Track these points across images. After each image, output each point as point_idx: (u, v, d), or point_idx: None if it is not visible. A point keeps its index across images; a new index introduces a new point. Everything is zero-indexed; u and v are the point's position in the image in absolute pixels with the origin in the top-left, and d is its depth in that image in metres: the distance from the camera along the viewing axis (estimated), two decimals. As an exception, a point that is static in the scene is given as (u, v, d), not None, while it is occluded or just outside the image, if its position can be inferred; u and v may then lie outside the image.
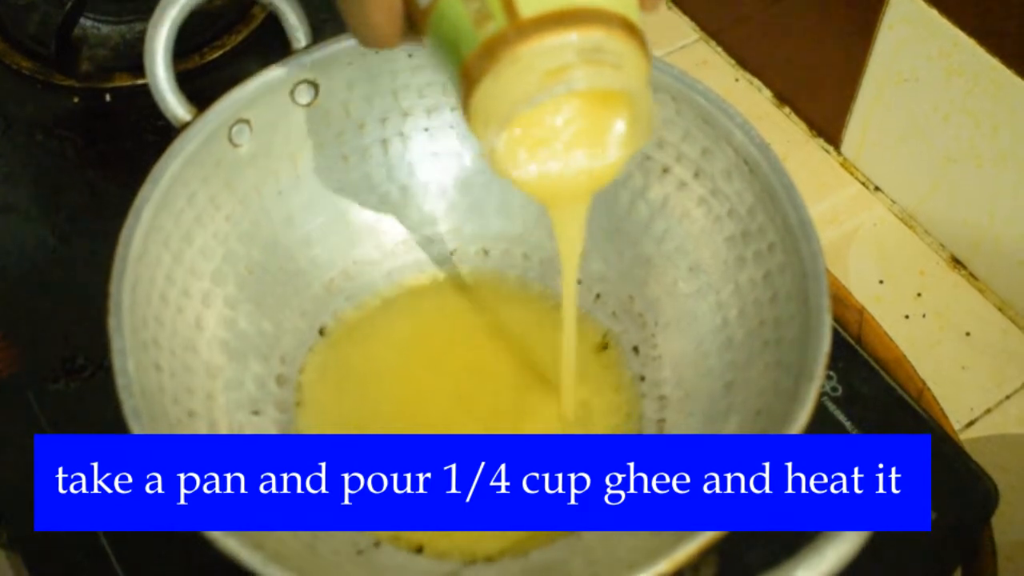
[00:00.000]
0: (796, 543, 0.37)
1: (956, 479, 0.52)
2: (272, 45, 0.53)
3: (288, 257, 0.53)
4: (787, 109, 0.74)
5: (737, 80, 0.76)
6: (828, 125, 0.72)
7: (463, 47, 0.38)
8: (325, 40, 0.51)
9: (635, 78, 0.38)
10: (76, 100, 0.67)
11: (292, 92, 0.51)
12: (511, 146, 0.41)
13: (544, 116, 0.40)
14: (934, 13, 0.60)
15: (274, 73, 0.50)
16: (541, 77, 0.36)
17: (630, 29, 0.37)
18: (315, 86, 0.52)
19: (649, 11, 0.39)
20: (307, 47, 0.51)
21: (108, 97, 0.67)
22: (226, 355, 0.49)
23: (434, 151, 0.55)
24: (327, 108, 0.53)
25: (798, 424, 0.41)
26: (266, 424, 0.50)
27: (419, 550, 0.47)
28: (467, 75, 0.38)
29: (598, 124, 0.41)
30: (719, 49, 0.78)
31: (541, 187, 0.43)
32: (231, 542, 0.38)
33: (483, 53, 0.37)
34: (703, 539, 0.38)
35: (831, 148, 0.72)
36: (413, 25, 0.40)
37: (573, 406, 0.51)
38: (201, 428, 0.46)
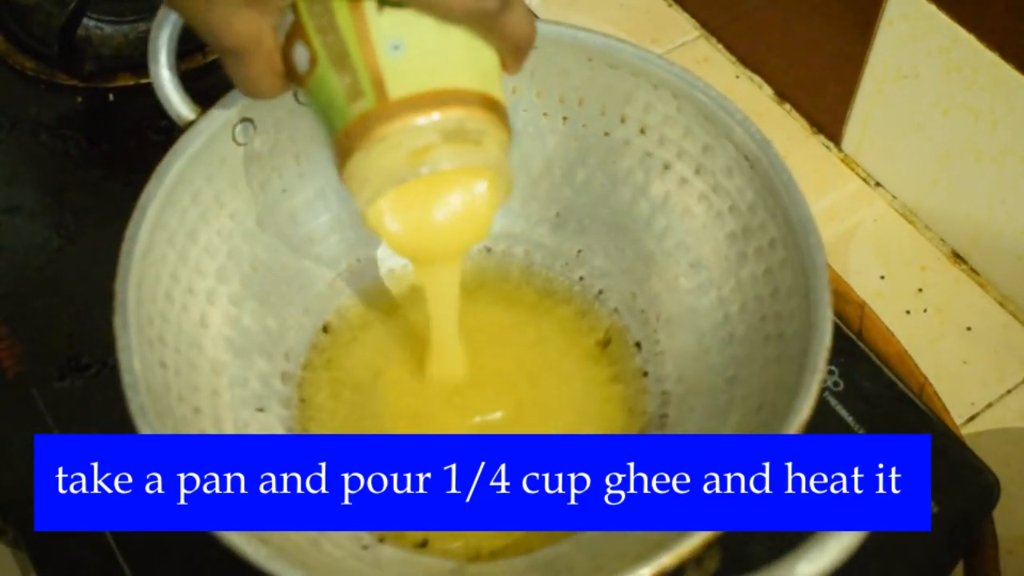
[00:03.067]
0: (798, 537, 0.37)
1: (958, 473, 0.53)
2: (275, 44, 0.53)
3: (292, 255, 0.53)
4: (787, 106, 0.74)
5: (737, 77, 0.76)
6: (828, 121, 0.72)
7: (336, 119, 0.40)
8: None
9: (495, 152, 0.41)
10: (80, 100, 0.68)
11: (295, 91, 0.51)
12: (382, 208, 0.44)
13: (414, 185, 0.41)
14: (933, 9, 0.60)
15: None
16: (408, 156, 0.39)
17: (490, 105, 0.40)
18: (318, 85, 0.52)
19: (512, 74, 0.42)
20: (310, 46, 0.51)
21: (111, 97, 0.68)
22: (231, 352, 0.50)
23: (436, 149, 0.56)
24: (330, 107, 0.53)
25: (800, 418, 0.41)
26: (271, 421, 0.50)
27: (423, 544, 0.47)
28: (341, 145, 0.41)
29: (464, 186, 0.45)
30: (719, 46, 0.78)
31: (412, 245, 0.47)
32: (236, 537, 0.38)
33: (355, 128, 0.40)
34: (705, 534, 0.39)
35: (831, 144, 0.72)
36: (293, 80, 0.41)
37: None
38: (206, 425, 0.46)
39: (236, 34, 0.39)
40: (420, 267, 0.50)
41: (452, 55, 0.40)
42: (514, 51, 0.41)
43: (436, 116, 0.39)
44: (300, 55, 0.40)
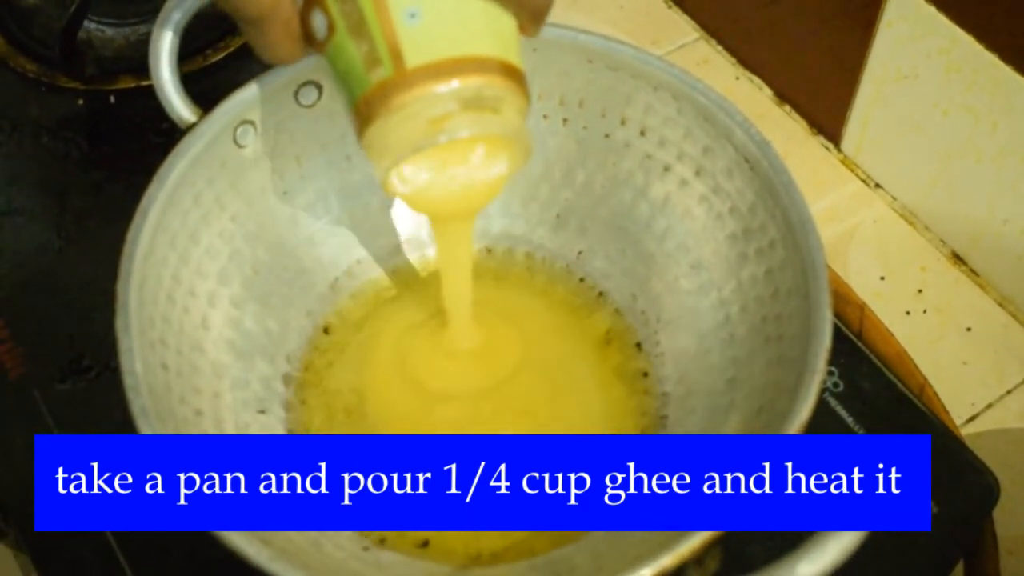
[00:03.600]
0: (798, 537, 0.37)
1: (957, 474, 0.53)
2: (276, 46, 0.53)
3: (293, 257, 0.54)
4: (787, 107, 0.74)
5: (737, 78, 0.76)
6: (828, 123, 0.72)
7: (355, 87, 0.40)
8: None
9: (513, 119, 0.41)
10: (81, 102, 0.68)
11: (296, 93, 0.51)
12: (401, 172, 0.44)
13: (432, 152, 0.42)
14: (932, 10, 0.60)
15: (278, 74, 0.50)
16: (426, 125, 0.40)
17: (508, 71, 0.40)
18: (319, 87, 0.52)
19: (530, 36, 0.42)
20: (311, 48, 0.51)
21: (113, 99, 0.68)
22: (232, 354, 0.50)
23: (436, 151, 0.56)
24: (331, 109, 0.53)
25: (800, 419, 0.41)
26: (272, 423, 0.50)
27: (424, 545, 0.47)
28: (360, 113, 0.41)
29: (482, 149, 0.44)
30: (719, 48, 0.78)
31: (430, 206, 0.47)
32: (238, 538, 0.38)
33: (373, 97, 0.40)
34: (706, 534, 0.39)
35: (831, 145, 0.72)
36: (311, 46, 0.42)
37: None
38: (208, 427, 0.46)
39: (255, 2, 0.40)
40: (435, 224, 0.50)
41: (469, 22, 0.40)
42: (533, 15, 0.41)
43: (454, 84, 0.39)
44: (318, 22, 0.40)
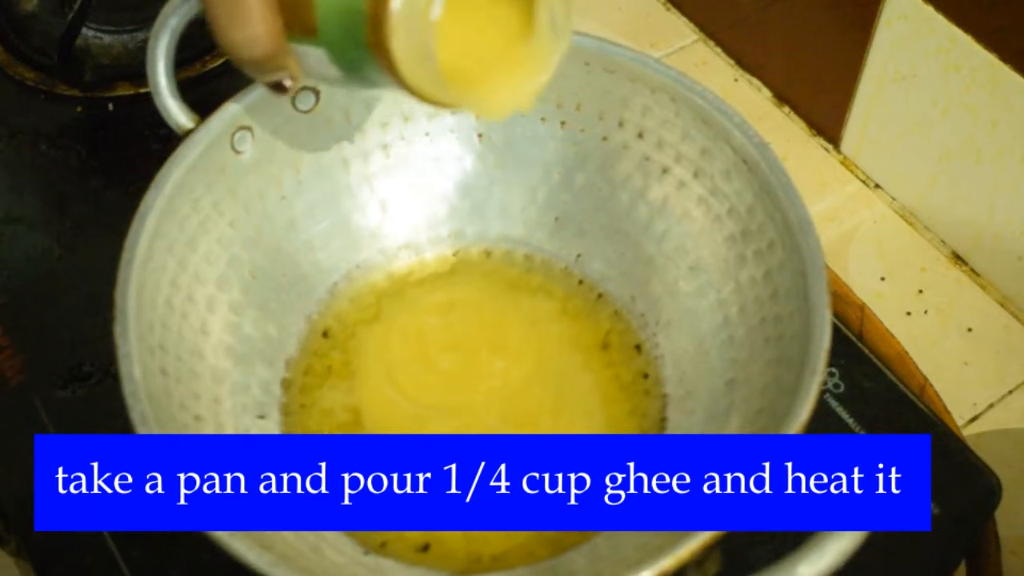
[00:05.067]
0: (798, 539, 0.37)
1: (959, 474, 0.53)
2: (273, 52, 0.53)
3: (292, 262, 0.54)
4: (786, 108, 0.74)
5: (736, 80, 0.76)
6: (827, 123, 0.72)
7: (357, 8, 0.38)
8: (326, 46, 0.51)
9: None
10: (79, 109, 0.68)
11: (293, 98, 0.51)
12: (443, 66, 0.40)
13: (464, 21, 0.40)
14: (931, 10, 0.60)
15: (276, 80, 0.50)
16: None
17: None
18: (316, 92, 0.52)
19: None
20: (308, 53, 0.51)
21: (111, 106, 0.68)
22: (232, 360, 0.50)
23: (435, 155, 0.56)
24: (328, 114, 0.53)
25: (799, 420, 0.41)
26: (271, 428, 0.50)
27: (424, 549, 0.47)
28: (372, 31, 0.38)
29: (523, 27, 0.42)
30: (718, 50, 0.78)
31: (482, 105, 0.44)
32: (238, 544, 0.38)
33: None
34: (706, 536, 0.39)
35: (831, 146, 0.72)
36: (293, 21, 0.39)
37: None
38: (208, 432, 0.46)
39: None
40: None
41: None
42: None
43: None
44: None
